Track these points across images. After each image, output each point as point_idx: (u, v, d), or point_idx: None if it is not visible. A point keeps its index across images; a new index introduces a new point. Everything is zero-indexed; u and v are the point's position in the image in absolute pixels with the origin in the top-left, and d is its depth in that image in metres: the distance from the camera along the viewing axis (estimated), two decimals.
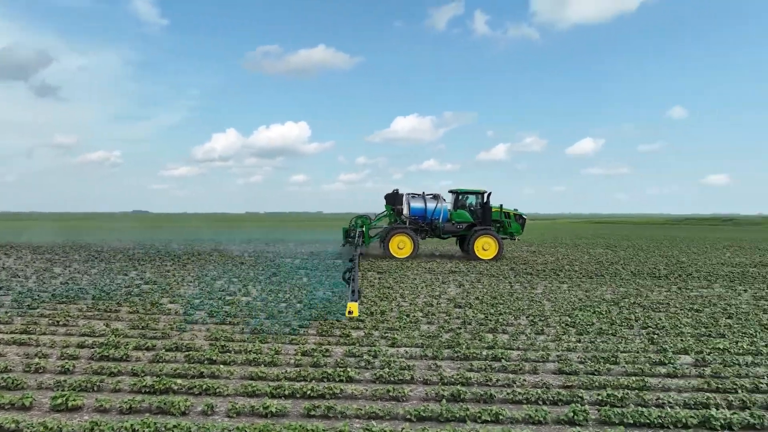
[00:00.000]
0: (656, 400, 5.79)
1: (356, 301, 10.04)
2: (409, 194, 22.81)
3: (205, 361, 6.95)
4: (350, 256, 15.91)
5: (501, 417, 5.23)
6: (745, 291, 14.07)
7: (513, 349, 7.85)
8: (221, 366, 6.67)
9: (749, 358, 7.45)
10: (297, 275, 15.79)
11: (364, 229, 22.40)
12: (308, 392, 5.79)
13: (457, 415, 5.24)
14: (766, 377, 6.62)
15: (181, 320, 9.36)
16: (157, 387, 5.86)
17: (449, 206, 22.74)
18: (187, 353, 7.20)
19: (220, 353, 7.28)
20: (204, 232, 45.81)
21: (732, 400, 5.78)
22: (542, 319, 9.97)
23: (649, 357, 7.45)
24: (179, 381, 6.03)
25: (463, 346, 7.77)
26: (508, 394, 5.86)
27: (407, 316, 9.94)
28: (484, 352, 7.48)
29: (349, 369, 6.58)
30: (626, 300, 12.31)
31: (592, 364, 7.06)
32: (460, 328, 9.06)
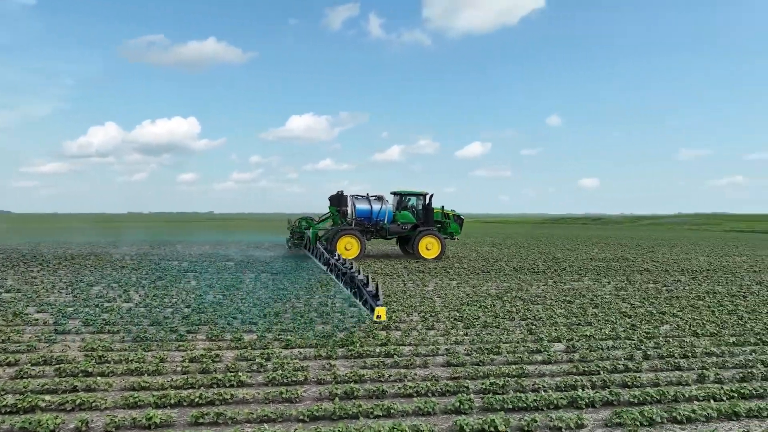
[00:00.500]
0: (533, 385, 6.28)
1: (381, 305, 9.76)
2: (353, 196, 22.76)
3: (80, 374, 6.39)
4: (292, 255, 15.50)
5: (392, 411, 5.38)
6: (609, 283, 15.70)
7: (405, 345, 8.09)
8: (98, 378, 6.17)
9: (610, 343, 8.34)
10: (185, 278, 15.01)
11: (312, 229, 22.47)
12: (196, 400, 5.56)
13: (350, 413, 5.31)
14: (622, 359, 7.46)
15: (51, 331, 8.52)
16: (20, 406, 5.29)
17: (392, 208, 23.01)
18: (57, 366, 6.57)
19: (97, 364, 6.74)
20: (80, 234, 41.98)
21: (595, 381, 6.43)
22: (433, 314, 10.38)
23: (528, 346, 8.06)
24: (48, 397, 5.50)
25: (357, 345, 7.87)
26: (399, 388, 6.05)
27: (301, 316, 9.86)
28: (377, 349, 7.64)
29: (240, 373, 6.40)
30: (509, 294, 13.19)
31: (477, 355, 7.50)
32: (354, 327, 9.17)
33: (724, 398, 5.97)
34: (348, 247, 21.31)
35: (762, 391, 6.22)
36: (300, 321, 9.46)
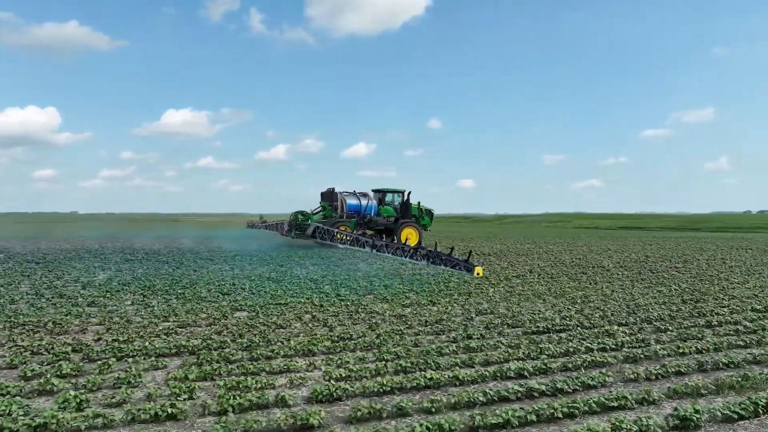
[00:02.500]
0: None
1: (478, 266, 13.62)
2: (343, 192, 25.80)
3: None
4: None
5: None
6: None
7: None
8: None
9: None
10: (300, 266, 16.59)
11: (310, 220, 25.10)
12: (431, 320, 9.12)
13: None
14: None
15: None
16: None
17: (375, 203, 26.31)
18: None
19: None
20: None
21: None
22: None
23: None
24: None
25: (481, 293, 11.77)
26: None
27: (418, 280, 13.42)
28: (491, 290, 11.63)
29: (452, 307, 10.04)
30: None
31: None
32: (460, 282, 12.99)
33: None
34: (409, 237, 25.12)
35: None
36: (419, 282, 12.97)
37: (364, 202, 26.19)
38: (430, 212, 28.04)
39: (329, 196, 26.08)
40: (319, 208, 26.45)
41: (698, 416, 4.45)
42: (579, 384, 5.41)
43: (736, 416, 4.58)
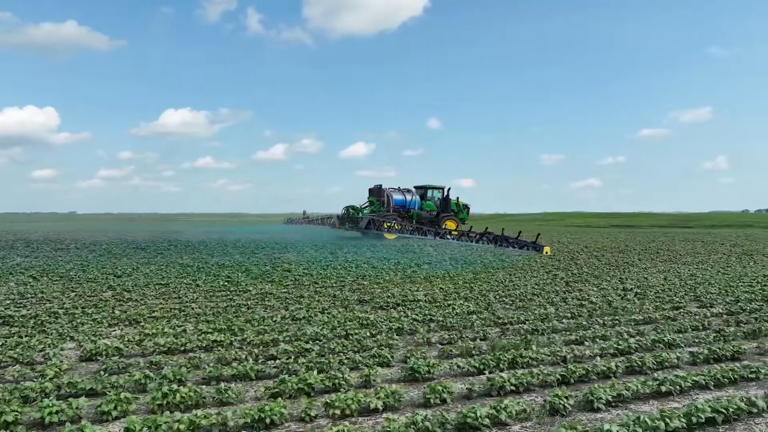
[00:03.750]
0: None
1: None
2: (389, 188, 28.75)
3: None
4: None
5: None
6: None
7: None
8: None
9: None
10: (404, 253, 19.31)
11: (361, 214, 28.10)
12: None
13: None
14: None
15: None
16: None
17: (418, 198, 29.26)
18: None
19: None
20: None
21: None
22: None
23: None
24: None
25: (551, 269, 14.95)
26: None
27: (495, 260, 16.56)
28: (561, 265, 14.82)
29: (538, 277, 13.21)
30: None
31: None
32: (529, 260, 16.18)
33: None
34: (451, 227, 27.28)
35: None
36: (502, 261, 16.06)
37: (408, 197, 29.06)
38: (466, 206, 31.01)
39: (377, 192, 28.93)
40: (367, 203, 29.33)
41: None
42: None
43: None
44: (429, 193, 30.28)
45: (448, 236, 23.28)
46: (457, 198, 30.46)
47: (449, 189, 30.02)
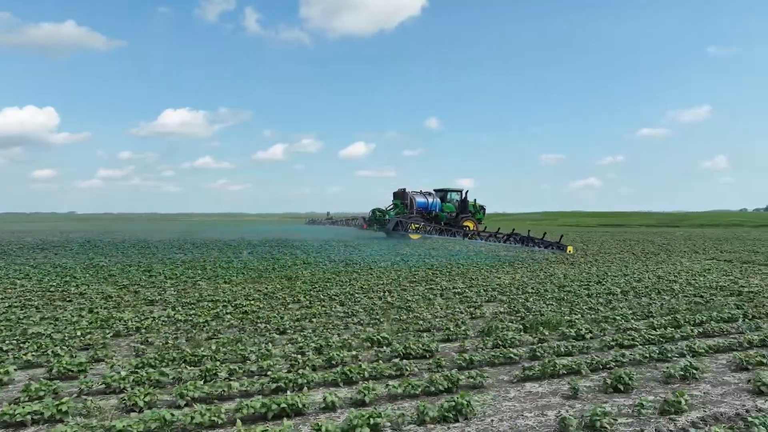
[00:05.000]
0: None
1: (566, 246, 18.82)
2: (412, 192, 31.00)
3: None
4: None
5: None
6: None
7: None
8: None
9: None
10: (434, 250, 22.69)
11: (388, 216, 30.38)
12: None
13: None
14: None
15: None
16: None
17: (439, 201, 31.57)
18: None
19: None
20: None
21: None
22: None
23: None
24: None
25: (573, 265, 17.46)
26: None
27: (525, 256, 19.01)
28: (582, 260, 17.34)
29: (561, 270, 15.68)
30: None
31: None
32: (553, 258, 18.64)
33: None
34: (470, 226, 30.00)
35: None
36: (546, 257, 18.45)
37: (430, 200, 31.44)
38: (483, 208, 33.37)
39: (401, 195, 31.27)
40: (392, 206, 31.62)
41: None
42: None
43: None
44: (448, 195, 32.65)
45: (477, 237, 25.52)
46: (474, 200, 32.83)
47: (467, 191, 32.53)
